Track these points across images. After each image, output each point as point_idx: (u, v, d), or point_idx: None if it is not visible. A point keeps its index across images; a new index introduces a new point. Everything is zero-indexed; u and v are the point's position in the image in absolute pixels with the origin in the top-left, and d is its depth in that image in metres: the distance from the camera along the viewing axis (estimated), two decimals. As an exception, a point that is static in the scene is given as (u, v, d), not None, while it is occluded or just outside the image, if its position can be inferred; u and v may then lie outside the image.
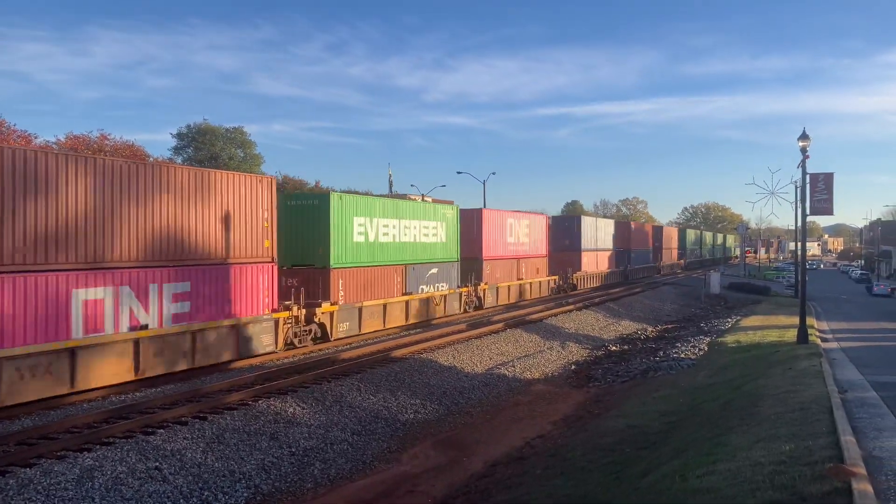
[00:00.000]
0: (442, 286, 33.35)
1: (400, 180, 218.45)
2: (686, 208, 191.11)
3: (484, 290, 37.25)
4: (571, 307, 38.50)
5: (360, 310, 26.60)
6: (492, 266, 38.48)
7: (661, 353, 28.93)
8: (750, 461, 9.27)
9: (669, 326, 39.89)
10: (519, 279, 42.29)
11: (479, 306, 37.01)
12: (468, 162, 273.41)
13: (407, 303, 30.04)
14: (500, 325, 29.81)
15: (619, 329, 36.59)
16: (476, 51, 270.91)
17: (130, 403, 15.57)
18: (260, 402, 16.18)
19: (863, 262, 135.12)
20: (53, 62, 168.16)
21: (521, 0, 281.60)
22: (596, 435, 15.91)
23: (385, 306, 28.32)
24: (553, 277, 47.68)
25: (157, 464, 12.32)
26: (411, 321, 30.44)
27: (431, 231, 32.74)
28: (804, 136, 25.94)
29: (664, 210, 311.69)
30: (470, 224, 37.38)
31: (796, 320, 28.23)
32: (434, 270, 32.69)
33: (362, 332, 26.85)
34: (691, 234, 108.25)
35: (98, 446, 12.53)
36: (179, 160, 44.75)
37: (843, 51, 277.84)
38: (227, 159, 45.50)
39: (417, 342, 24.92)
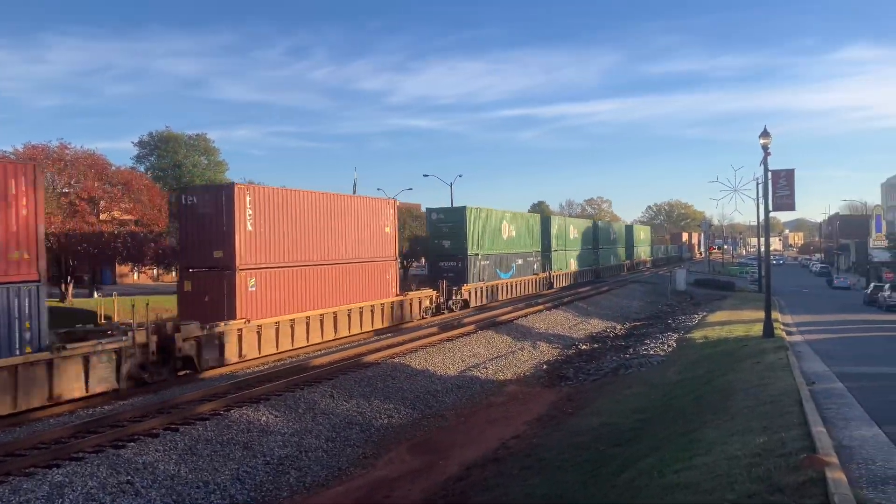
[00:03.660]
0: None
1: (366, 183, 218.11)
2: (650, 206, 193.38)
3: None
4: (541, 307, 38.71)
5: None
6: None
7: (631, 350, 29.21)
8: (726, 455, 9.39)
9: (638, 324, 40.31)
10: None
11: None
12: (434, 164, 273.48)
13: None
14: (471, 328, 29.84)
15: (588, 328, 36.86)
16: (440, 53, 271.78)
17: (99, 417, 15.26)
18: (232, 411, 15.97)
19: (822, 255, 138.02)
20: (8, 70, 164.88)
21: (483, 2, 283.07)
22: (570, 434, 16.00)
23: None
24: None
25: (129, 477, 12.10)
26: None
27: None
28: (765, 134, 26.41)
29: (629, 209, 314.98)
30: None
31: (761, 315, 28.71)
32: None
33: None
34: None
35: (67, 462, 12.26)
36: (142, 168, 44.10)
37: (798, 49, 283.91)
38: (192, 167, 44.93)
39: (389, 346, 24.82)
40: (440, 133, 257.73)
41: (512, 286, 45.03)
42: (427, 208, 38.22)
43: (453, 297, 36.73)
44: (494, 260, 41.92)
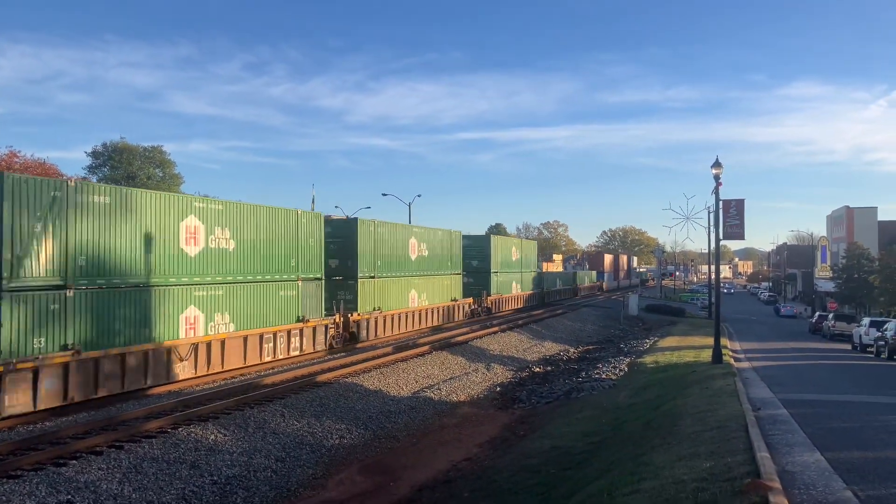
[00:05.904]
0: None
1: (324, 201, 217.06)
2: (605, 232, 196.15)
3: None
4: (496, 329, 38.84)
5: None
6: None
7: (584, 373, 29.47)
8: (673, 479, 9.53)
9: (591, 347, 40.72)
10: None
11: None
12: (393, 184, 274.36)
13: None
14: (426, 348, 29.79)
15: (542, 350, 37.10)
16: (399, 74, 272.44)
17: (39, 434, 14.81)
18: (180, 429, 15.65)
19: (771, 284, 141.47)
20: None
21: (443, 26, 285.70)
22: (522, 456, 16.05)
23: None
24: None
25: (70, 496, 11.74)
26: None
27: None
28: (717, 164, 27.11)
29: (584, 234, 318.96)
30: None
31: (710, 341, 29.29)
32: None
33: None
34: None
35: (4, 479, 11.85)
36: (95, 179, 43.26)
37: (747, 84, 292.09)
38: (146, 179, 44.22)
39: (343, 366, 24.64)
40: (399, 153, 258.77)
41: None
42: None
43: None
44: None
